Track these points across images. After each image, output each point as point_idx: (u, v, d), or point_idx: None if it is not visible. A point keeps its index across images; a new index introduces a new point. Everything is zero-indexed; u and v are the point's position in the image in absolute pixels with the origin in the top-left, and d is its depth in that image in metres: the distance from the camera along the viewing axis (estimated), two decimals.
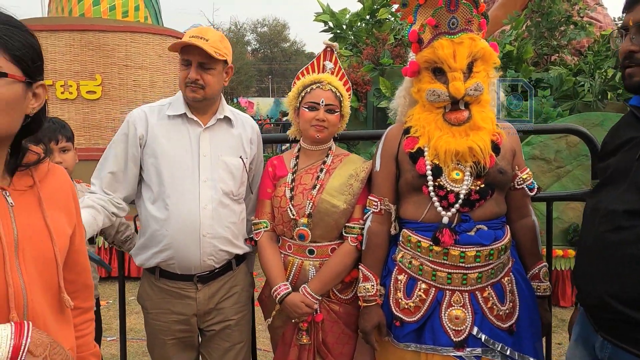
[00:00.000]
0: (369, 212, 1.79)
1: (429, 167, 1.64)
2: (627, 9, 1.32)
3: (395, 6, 1.80)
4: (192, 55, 1.79)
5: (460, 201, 1.60)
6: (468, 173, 1.62)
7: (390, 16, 5.67)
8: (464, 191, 1.60)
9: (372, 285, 1.74)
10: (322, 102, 1.85)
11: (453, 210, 1.61)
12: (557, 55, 5.54)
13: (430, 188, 1.63)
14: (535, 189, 1.77)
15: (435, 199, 1.63)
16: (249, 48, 36.20)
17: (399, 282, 1.71)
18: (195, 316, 1.87)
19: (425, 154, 1.65)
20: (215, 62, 1.80)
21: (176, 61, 6.35)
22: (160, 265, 1.85)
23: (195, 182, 1.81)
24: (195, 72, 1.78)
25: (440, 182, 1.63)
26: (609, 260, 1.25)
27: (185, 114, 1.86)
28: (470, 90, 1.60)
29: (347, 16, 5.89)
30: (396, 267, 1.74)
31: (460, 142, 1.60)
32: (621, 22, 1.37)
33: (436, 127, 1.65)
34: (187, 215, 1.79)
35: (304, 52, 35.98)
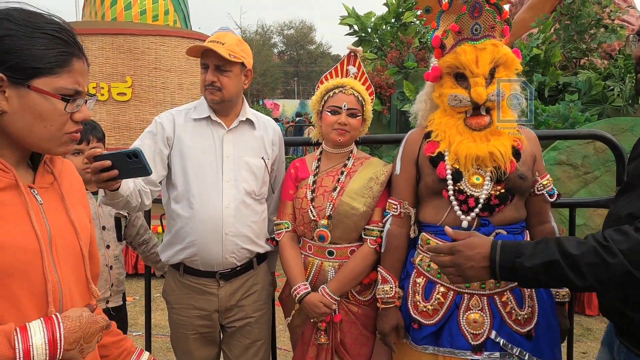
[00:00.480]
0: (389, 215, 1.81)
1: (449, 171, 1.65)
2: None
3: (419, 12, 1.83)
4: (209, 59, 1.85)
5: (480, 206, 1.61)
6: (488, 178, 1.62)
7: (415, 20, 5.66)
8: (483, 196, 1.61)
9: (390, 288, 1.76)
10: (344, 106, 1.88)
11: (472, 214, 1.62)
12: (587, 58, 5.44)
13: (450, 192, 1.64)
14: (555, 195, 1.77)
15: (455, 203, 1.64)
16: (276, 50, 36.40)
17: (418, 285, 1.72)
18: (216, 312, 1.93)
19: (446, 158, 1.67)
20: (231, 65, 1.85)
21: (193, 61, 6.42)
22: (184, 262, 1.91)
23: (218, 182, 1.87)
24: (212, 74, 1.85)
25: (460, 187, 1.64)
26: None
27: (209, 116, 1.92)
28: (492, 95, 1.61)
29: (372, 19, 5.91)
30: (415, 270, 1.76)
31: (481, 147, 1.61)
32: None
33: (457, 132, 1.66)
34: (211, 213, 1.85)
35: (330, 54, 36.01)
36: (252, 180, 1.93)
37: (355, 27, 6.00)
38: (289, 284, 1.94)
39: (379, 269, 1.82)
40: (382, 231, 1.84)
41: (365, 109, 1.95)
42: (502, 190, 1.62)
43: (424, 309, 1.68)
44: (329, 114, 1.90)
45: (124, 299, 2.27)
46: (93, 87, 5.56)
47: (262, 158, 1.97)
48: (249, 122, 2.00)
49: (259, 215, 1.97)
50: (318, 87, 2.01)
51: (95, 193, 2.11)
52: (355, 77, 2.00)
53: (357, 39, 6.02)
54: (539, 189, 1.74)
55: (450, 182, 1.65)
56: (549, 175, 1.78)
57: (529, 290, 1.68)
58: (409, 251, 1.81)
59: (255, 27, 33.27)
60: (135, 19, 6.25)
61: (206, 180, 1.87)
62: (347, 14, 6.04)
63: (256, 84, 27.69)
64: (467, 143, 1.63)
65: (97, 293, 1.11)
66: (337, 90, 1.92)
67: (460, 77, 1.66)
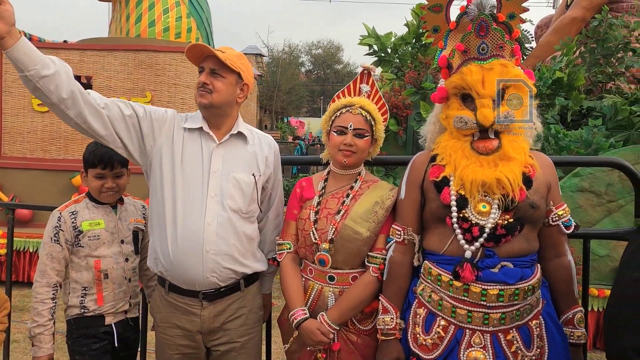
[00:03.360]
0: (392, 241, 1.74)
1: (453, 197, 1.57)
2: None
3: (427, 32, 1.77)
4: (206, 63, 1.85)
5: (485, 235, 1.52)
6: (496, 206, 1.53)
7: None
8: (489, 225, 1.52)
9: (391, 319, 1.67)
10: (351, 127, 1.82)
11: (477, 244, 1.53)
12: (613, 83, 5.28)
13: (454, 219, 1.56)
14: (573, 227, 1.66)
15: (458, 231, 1.55)
16: (303, 69, 36.85)
17: (418, 316, 1.65)
18: (200, 333, 1.86)
19: (451, 183, 1.59)
20: (226, 71, 1.83)
21: None
22: (168, 279, 1.86)
23: (203, 197, 1.83)
24: (206, 76, 1.83)
25: (465, 214, 1.55)
26: None
27: (201, 127, 1.88)
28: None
29: (392, 40, 5.88)
30: (416, 300, 1.68)
31: (488, 173, 1.52)
32: None
33: (463, 156, 1.58)
34: (192, 230, 1.79)
35: (357, 73, 36.21)
36: (239, 197, 1.87)
37: (375, 47, 5.98)
38: (287, 308, 1.87)
39: (380, 298, 1.75)
40: (385, 259, 1.77)
41: (376, 129, 1.88)
42: (511, 220, 1.52)
43: (424, 343, 1.60)
44: (335, 134, 1.85)
45: (139, 311, 2.25)
46: None
47: (253, 175, 1.91)
48: (241, 136, 1.94)
49: (247, 234, 1.89)
50: (330, 105, 1.97)
51: (114, 207, 2.11)
52: (369, 96, 1.94)
53: (376, 59, 5.99)
54: (554, 219, 1.63)
55: (454, 208, 1.56)
56: (565, 205, 1.67)
57: (538, 329, 1.57)
58: (413, 280, 1.74)
59: (282, 46, 33.68)
60: (158, 36, 6.37)
61: (191, 195, 1.83)
62: (367, 34, 6.03)
63: (281, 101, 27.99)
64: (473, 168, 1.54)
65: None
66: (344, 110, 1.87)
67: (467, 99, 1.59)
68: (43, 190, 5.64)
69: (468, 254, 1.54)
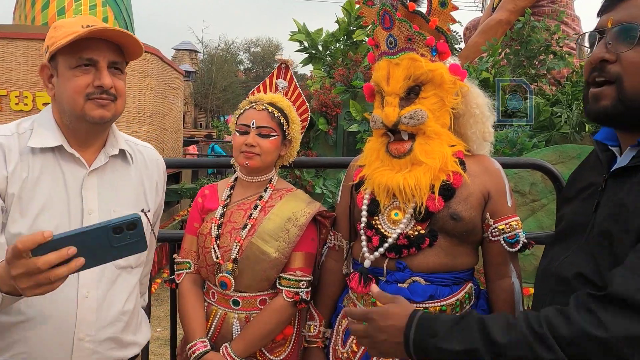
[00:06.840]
0: (326, 246, 1.67)
1: (366, 201, 1.46)
2: (605, 9, 1.06)
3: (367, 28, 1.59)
4: (99, 52, 1.22)
5: (385, 245, 1.39)
6: (409, 215, 1.39)
7: (366, 38, 5.51)
8: (394, 235, 1.40)
9: (314, 326, 1.61)
10: (253, 124, 1.61)
11: (376, 254, 1.41)
12: (536, 84, 5.42)
13: (362, 225, 1.46)
14: (520, 244, 1.41)
15: (363, 237, 1.45)
16: (242, 67, 36.35)
17: (340, 326, 1.55)
18: None
19: (363, 186, 1.49)
20: (124, 65, 1.33)
21: (138, 74, 6.03)
22: None
23: None
24: (107, 75, 1.24)
25: (377, 221, 1.45)
26: None
27: (61, 146, 1.26)
28: (405, 118, 1.38)
29: (323, 36, 5.72)
30: (343, 310, 1.57)
31: (394, 178, 1.39)
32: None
33: (377, 158, 1.47)
34: (56, 309, 1.21)
35: (297, 72, 36.30)
36: None
37: (306, 44, 5.78)
38: (186, 339, 1.62)
39: (310, 303, 1.63)
40: (300, 281, 1.58)
41: (289, 129, 1.67)
42: (422, 231, 1.38)
43: (340, 356, 1.51)
44: (238, 134, 1.64)
45: None
46: (16, 96, 5.08)
47: (143, 211, 1.35)
48: (122, 156, 1.39)
49: (132, 289, 1.38)
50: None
51: None
52: (286, 93, 1.76)
53: (307, 56, 5.80)
54: (494, 234, 1.42)
55: (364, 213, 1.46)
56: (515, 219, 1.43)
57: None
58: (346, 288, 1.62)
59: (218, 42, 32.95)
60: None
61: None
62: (297, 30, 5.82)
63: (217, 99, 27.27)
64: (382, 171, 1.43)
65: None
66: (248, 107, 1.66)
67: (382, 96, 1.46)
68: None
69: (367, 264, 1.43)
